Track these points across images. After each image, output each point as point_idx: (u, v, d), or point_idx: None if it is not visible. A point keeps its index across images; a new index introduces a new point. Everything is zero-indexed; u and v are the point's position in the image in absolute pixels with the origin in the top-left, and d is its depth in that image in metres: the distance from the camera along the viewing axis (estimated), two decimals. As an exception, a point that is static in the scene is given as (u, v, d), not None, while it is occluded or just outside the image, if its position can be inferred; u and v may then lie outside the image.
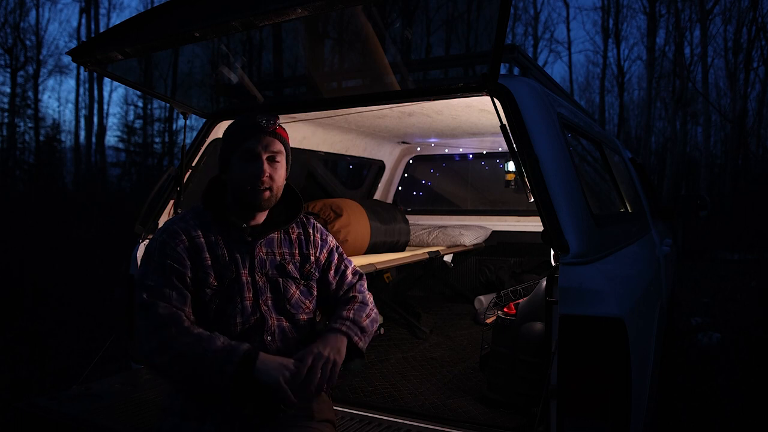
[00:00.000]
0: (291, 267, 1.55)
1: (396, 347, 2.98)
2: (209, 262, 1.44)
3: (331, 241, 1.67)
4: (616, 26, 21.43)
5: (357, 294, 1.61)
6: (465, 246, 3.64)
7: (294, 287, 1.54)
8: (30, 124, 19.16)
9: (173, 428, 1.38)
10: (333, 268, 1.63)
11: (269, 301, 1.49)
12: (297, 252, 1.58)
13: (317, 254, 1.61)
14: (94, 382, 2.01)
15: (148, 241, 2.20)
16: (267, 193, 1.47)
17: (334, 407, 1.84)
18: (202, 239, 1.46)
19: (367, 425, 1.72)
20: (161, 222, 2.25)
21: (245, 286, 1.46)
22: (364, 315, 1.55)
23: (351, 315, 1.52)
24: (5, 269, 6.90)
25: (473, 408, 2.08)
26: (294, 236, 1.59)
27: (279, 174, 1.49)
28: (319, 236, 1.64)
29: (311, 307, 1.58)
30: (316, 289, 1.59)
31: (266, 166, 1.46)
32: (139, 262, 2.16)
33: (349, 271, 1.66)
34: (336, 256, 1.66)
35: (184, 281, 1.40)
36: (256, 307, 1.45)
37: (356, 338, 1.48)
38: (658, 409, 2.34)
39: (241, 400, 1.34)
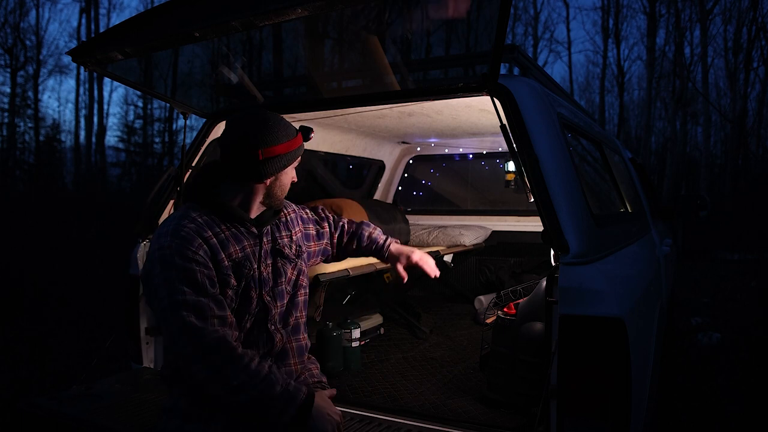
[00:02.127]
0: (287, 250, 1.61)
1: (396, 347, 2.98)
2: (226, 262, 1.42)
3: (304, 211, 1.80)
4: (616, 26, 21.45)
5: (353, 223, 1.91)
6: (465, 246, 3.64)
7: (291, 269, 1.60)
8: (30, 124, 19.19)
9: (177, 430, 1.38)
10: (326, 230, 1.83)
11: (272, 290, 1.52)
12: (291, 233, 1.66)
13: (304, 230, 1.74)
14: (94, 382, 2.01)
15: (147, 242, 2.20)
16: None
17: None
18: (215, 239, 1.43)
19: (367, 425, 1.72)
20: (161, 222, 2.24)
21: (257, 281, 1.50)
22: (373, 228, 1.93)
23: (375, 232, 1.91)
24: (5, 269, 6.91)
25: (473, 408, 2.09)
26: (284, 218, 1.66)
27: None
28: (296, 213, 1.74)
29: (305, 283, 1.67)
30: (305, 264, 1.71)
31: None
32: (140, 264, 2.17)
33: (334, 221, 1.88)
34: (319, 220, 1.83)
35: (215, 286, 1.38)
36: (260, 298, 1.48)
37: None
38: (658, 409, 2.34)
39: None
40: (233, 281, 1.42)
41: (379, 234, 1.91)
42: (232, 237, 1.47)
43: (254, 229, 1.53)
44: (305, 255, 1.69)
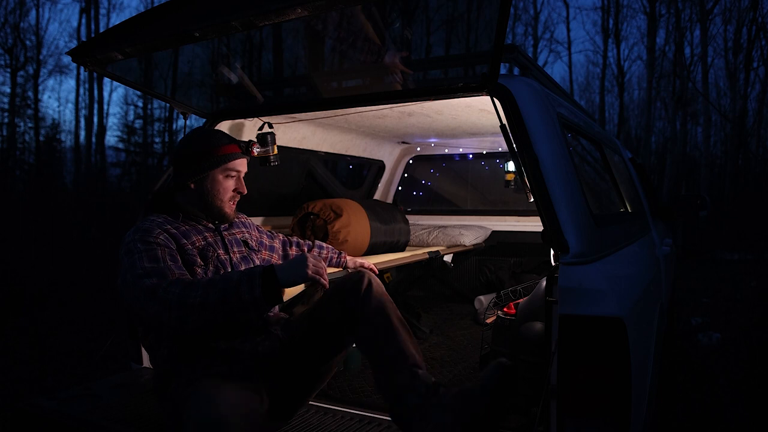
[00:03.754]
0: (251, 242, 1.83)
1: (396, 347, 2.97)
2: (189, 246, 1.58)
3: (259, 226, 2.04)
4: (616, 26, 21.41)
5: (307, 243, 2.17)
6: (465, 246, 3.64)
7: (257, 257, 1.82)
8: (30, 124, 19.15)
9: (211, 388, 1.37)
10: (277, 245, 2.04)
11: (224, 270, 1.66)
12: (249, 229, 1.88)
13: (259, 236, 1.96)
14: (94, 382, 2.01)
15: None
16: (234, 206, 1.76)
17: (334, 407, 1.85)
18: (175, 231, 1.59)
19: (367, 425, 1.72)
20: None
21: (226, 263, 1.65)
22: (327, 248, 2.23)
23: (328, 252, 2.18)
24: (5, 269, 6.90)
25: (473, 408, 2.08)
26: (239, 221, 1.86)
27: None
28: (251, 222, 1.97)
29: None
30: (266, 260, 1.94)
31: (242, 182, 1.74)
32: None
33: (286, 237, 2.12)
34: (271, 236, 2.05)
35: (176, 260, 1.50)
36: None
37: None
38: (658, 409, 2.34)
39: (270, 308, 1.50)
40: (200, 261, 1.57)
41: (331, 252, 2.21)
42: (192, 230, 1.64)
43: (210, 225, 1.71)
44: (264, 250, 1.94)
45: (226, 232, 1.75)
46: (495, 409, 1.46)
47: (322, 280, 1.48)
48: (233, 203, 1.74)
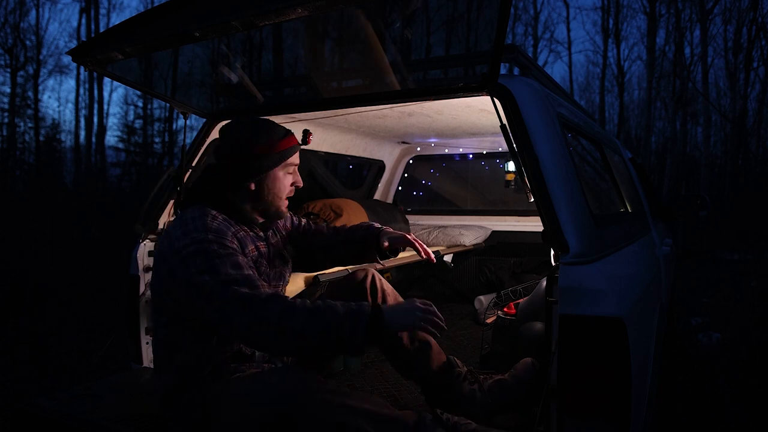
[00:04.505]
0: (285, 252, 1.72)
1: (396, 347, 2.97)
2: (249, 257, 1.51)
3: (290, 215, 1.88)
4: (616, 26, 21.42)
5: (335, 228, 1.90)
6: (465, 246, 3.64)
7: (287, 272, 1.71)
8: (30, 124, 19.16)
9: (252, 376, 1.39)
10: (303, 228, 1.88)
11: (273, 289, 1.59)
12: (282, 234, 1.77)
13: (288, 229, 1.83)
14: (94, 382, 2.01)
15: (147, 242, 2.19)
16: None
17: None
18: (238, 235, 1.50)
19: (367, 425, 1.72)
20: (161, 222, 2.25)
21: (268, 278, 1.60)
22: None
23: (359, 227, 1.83)
24: (5, 269, 6.90)
25: (473, 408, 2.08)
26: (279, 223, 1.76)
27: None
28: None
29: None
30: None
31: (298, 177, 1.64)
32: (140, 263, 2.16)
33: (308, 223, 1.92)
34: (303, 221, 1.90)
35: (253, 269, 1.45)
36: None
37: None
38: (658, 409, 2.34)
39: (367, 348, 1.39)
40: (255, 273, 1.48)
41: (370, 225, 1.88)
42: (247, 237, 1.54)
43: (261, 233, 1.60)
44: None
45: (271, 242, 1.65)
46: (526, 402, 1.67)
47: (432, 329, 1.40)
48: (288, 200, 1.65)
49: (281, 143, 1.55)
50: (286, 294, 1.75)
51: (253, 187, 1.55)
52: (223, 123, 1.59)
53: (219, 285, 1.31)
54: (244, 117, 1.59)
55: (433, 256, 1.82)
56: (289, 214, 1.84)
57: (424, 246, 1.82)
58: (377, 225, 1.85)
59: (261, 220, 1.62)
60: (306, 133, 1.69)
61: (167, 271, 1.41)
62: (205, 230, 1.40)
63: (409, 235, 1.81)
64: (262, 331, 1.28)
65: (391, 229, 1.84)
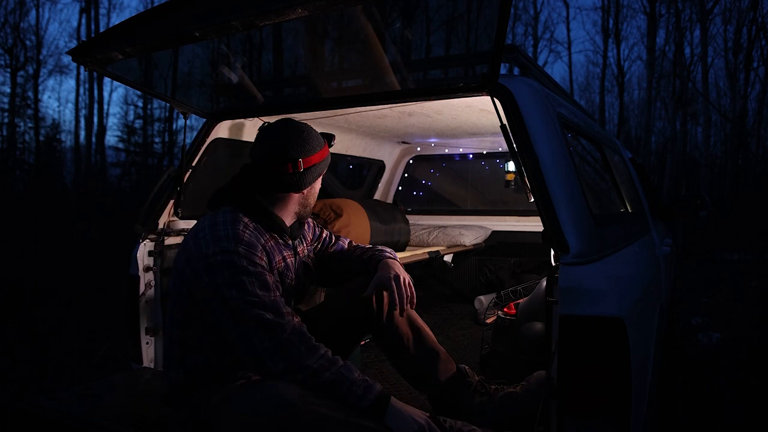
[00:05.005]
0: (310, 262, 1.70)
1: (396, 347, 2.97)
2: (275, 270, 1.49)
3: (313, 224, 1.84)
4: (616, 26, 21.41)
5: (356, 246, 1.86)
6: (465, 246, 3.64)
7: (311, 283, 1.70)
8: (30, 124, 19.15)
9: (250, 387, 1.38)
10: (331, 242, 1.84)
11: (291, 301, 1.59)
12: (307, 242, 1.74)
13: (314, 238, 1.79)
14: (94, 382, 2.01)
15: (147, 242, 2.19)
16: None
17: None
18: (266, 247, 1.48)
19: (367, 425, 1.72)
20: (161, 222, 2.25)
21: (291, 291, 1.58)
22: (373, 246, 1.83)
23: (371, 249, 1.77)
24: (5, 269, 6.90)
25: (473, 408, 2.08)
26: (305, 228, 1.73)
27: None
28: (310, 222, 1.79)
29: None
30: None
31: None
32: (139, 264, 2.17)
33: (340, 240, 1.87)
34: (325, 232, 1.85)
35: (279, 289, 1.44)
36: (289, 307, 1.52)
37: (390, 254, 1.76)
38: (658, 409, 2.34)
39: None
40: (280, 287, 1.48)
41: (380, 250, 1.79)
42: (276, 246, 1.52)
43: (290, 241, 1.59)
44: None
45: (298, 250, 1.64)
46: (535, 415, 1.59)
47: None
48: None
49: (320, 153, 1.54)
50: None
51: (305, 193, 1.57)
52: (262, 125, 1.55)
53: (245, 304, 1.32)
54: (282, 121, 1.53)
55: (405, 308, 1.67)
56: (312, 223, 1.82)
57: (402, 297, 1.64)
58: (386, 254, 1.78)
59: (290, 224, 1.60)
60: (332, 138, 1.65)
61: (192, 272, 1.39)
62: (236, 241, 1.38)
63: (393, 282, 1.63)
64: (277, 360, 1.30)
65: (398, 264, 1.73)
